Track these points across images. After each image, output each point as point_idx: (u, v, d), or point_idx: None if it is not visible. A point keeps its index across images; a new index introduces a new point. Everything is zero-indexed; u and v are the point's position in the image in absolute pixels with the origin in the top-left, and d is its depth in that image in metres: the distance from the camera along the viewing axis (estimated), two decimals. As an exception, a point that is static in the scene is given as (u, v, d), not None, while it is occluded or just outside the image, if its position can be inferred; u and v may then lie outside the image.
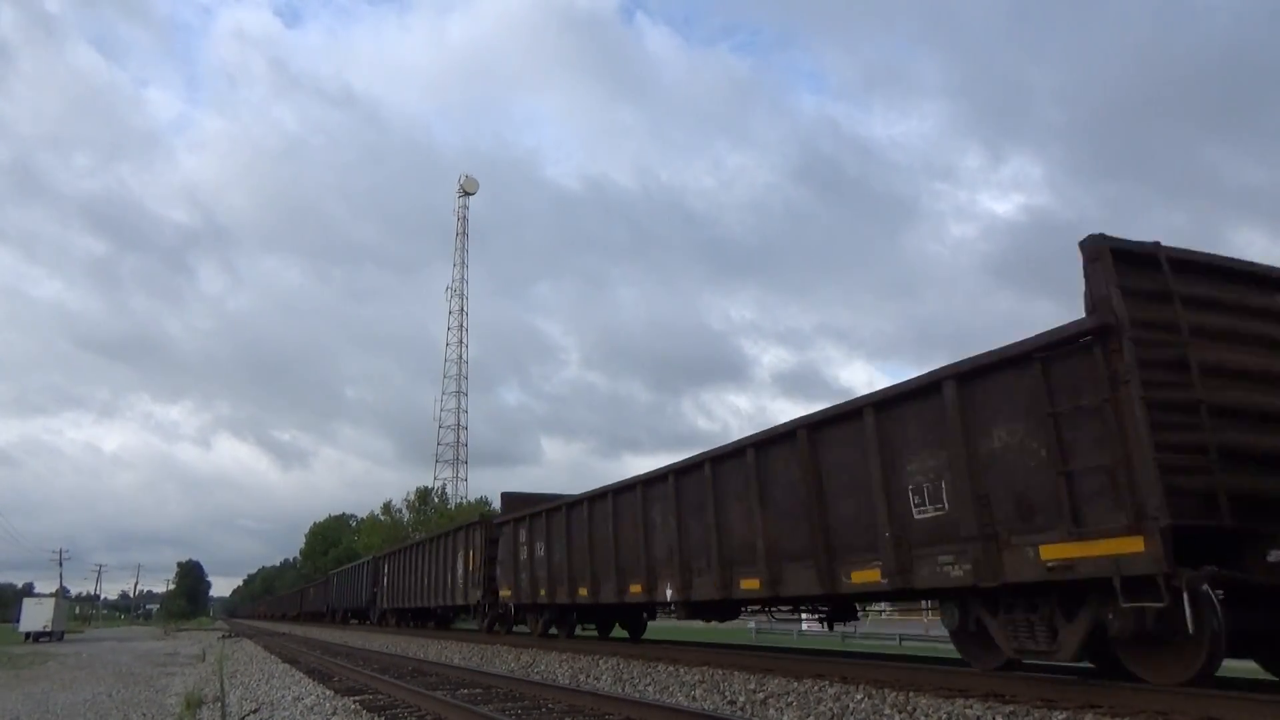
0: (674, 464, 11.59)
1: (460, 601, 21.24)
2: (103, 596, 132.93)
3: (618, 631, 17.68)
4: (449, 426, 76.74)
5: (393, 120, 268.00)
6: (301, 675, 13.49)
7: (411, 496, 69.87)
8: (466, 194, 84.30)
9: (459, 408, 77.12)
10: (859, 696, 7.58)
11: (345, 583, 41.06)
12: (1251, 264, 7.01)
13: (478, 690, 10.21)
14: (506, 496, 19.14)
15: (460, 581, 20.91)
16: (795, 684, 8.53)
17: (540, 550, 15.77)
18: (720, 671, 10.11)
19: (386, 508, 70.54)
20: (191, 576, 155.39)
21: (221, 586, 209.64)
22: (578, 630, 17.16)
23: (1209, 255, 6.79)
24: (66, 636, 44.13)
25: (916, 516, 7.38)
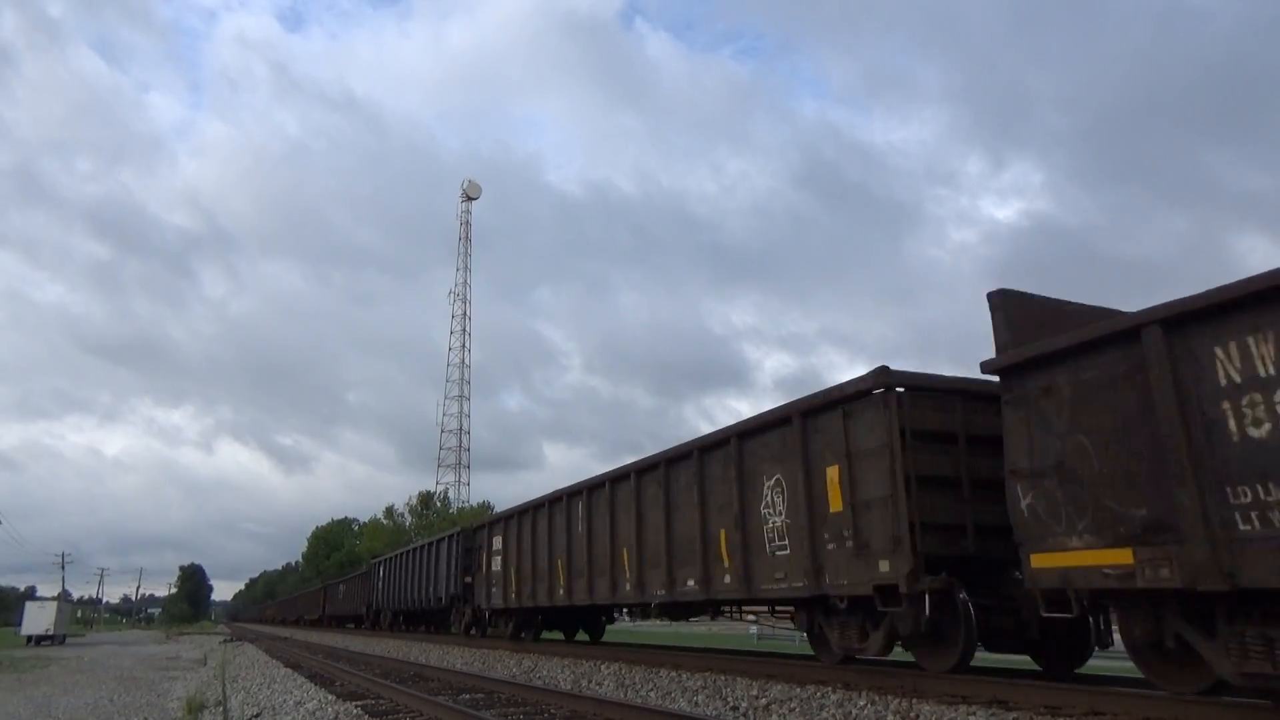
0: None
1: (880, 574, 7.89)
2: (104, 600, 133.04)
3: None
4: (451, 431, 76.90)
5: (394, 125, 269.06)
6: (303, 680, 13.46)
7: (414, 501, 69.97)
8: (470, 198, 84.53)
9: (461, 412, 77.27)
10: (862, 703, 7.55)
11: (411, 569, 27.07)
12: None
13: (480, 695, 10.19)
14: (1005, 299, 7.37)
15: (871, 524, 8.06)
16: (798, 690, 8.50)
17: None
18: (723, 677, 10.09)
19: (389, 512, 70.68)
20: (193, 580, 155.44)
21: (223, 590, 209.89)
22: None
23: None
24: (68, 640, 44.20)
25: None
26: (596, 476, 14.05)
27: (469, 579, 21.04)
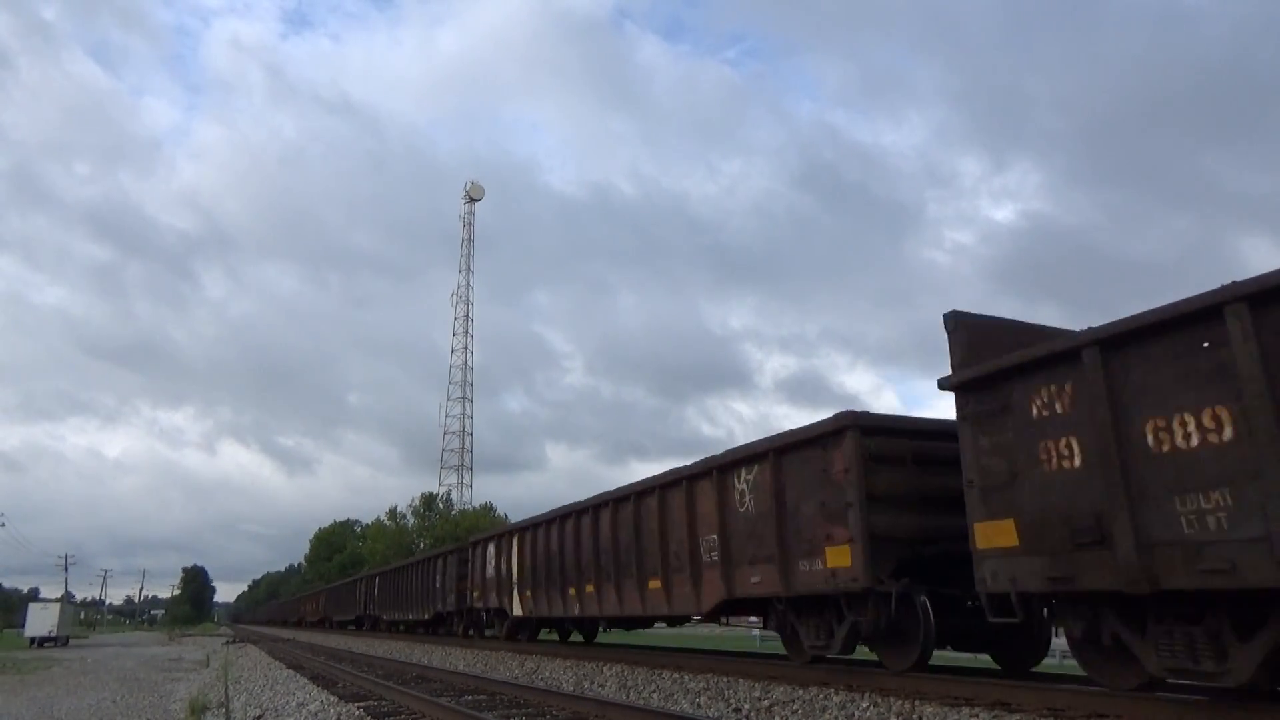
0: None
1: None
2: (107, 602, 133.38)
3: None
4: (454, 432, 76.91)
5: (390, 128, 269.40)
6: (305, 681, 13.48)
7: (416, 502, 69.95)
8: (472, 200, 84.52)
9: (464, 413, 77.27)
10: (864, 704, 7.55)
11: (410, 581, 28.51)
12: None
13: (482, 696, 10.19)
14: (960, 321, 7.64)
15: None
16: (800, 691, 8.50)
17: None
18: (725, 679, 10.08)
19: (392, 513, 70.62)
20: (196, 582, 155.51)
21: (226, 592, 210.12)
22: None
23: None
24: (71, 642, 44.23)
25: None
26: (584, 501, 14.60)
27: (466, 589, 21.62)
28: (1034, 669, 9.02)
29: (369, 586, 36.37)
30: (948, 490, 7.72)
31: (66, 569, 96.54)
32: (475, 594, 20.81)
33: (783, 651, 10.99)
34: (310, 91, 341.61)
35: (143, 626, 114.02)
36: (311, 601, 57.00)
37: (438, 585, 24.69)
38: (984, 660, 9.76)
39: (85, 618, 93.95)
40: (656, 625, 15.78)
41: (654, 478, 12.01)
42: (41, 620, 41.91)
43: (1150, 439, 5.70)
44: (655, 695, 9.73)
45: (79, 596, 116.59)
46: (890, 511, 8.16)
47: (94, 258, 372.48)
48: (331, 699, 10.59)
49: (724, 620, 12.59)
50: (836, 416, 8.52)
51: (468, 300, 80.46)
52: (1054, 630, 8.43)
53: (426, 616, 25.66)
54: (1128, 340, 5.90)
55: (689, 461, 11.69)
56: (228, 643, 36.08)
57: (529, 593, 16.66)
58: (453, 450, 76.44)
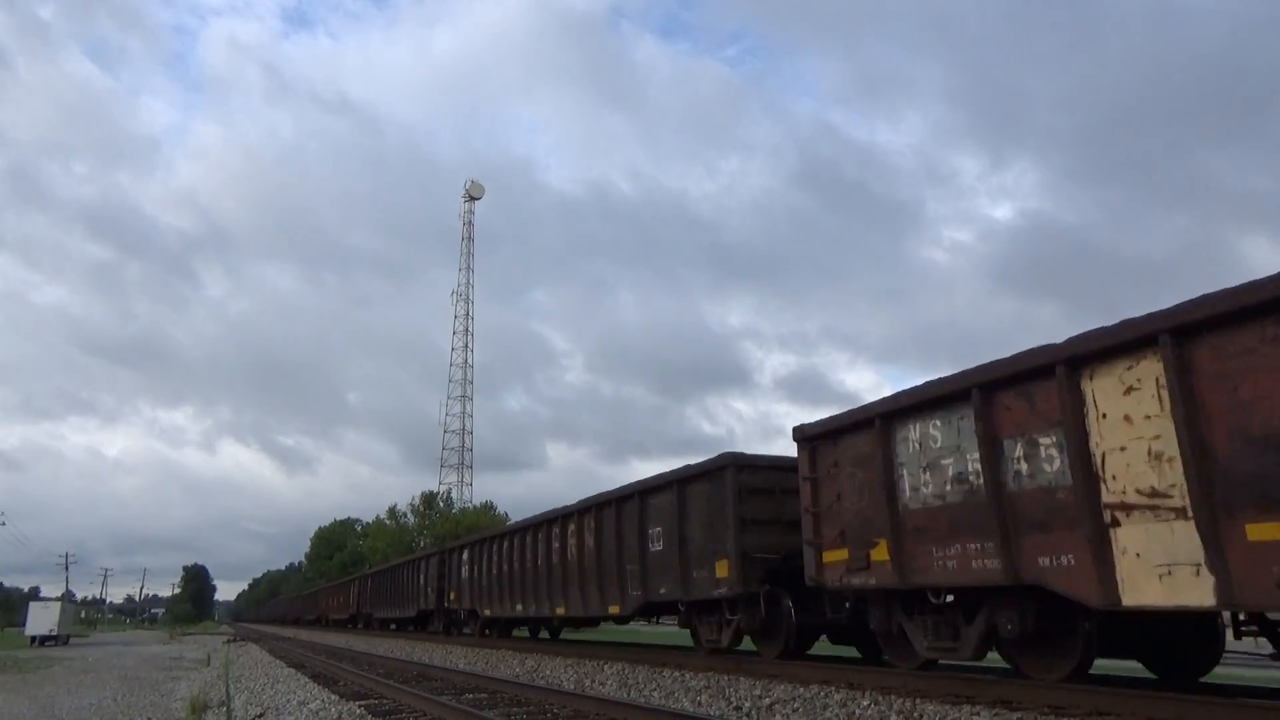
0: None
1: None
2: (108, 600, 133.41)
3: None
4: (454, 431, 76.81)
5: (388, 127, 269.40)
6: (307, 680, 13.48)
7: (416, 501, 69.90)
8: (472, 199, 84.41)
9: (464, 412, 77.22)
10: (865, 703, 7.55)
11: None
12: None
13: (483, 695, 10.19)
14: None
15: None
16: (801, 689, 8.50)
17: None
18: (726, 677, 10.08)
19: (392, 512, 70.54)
20: (197, 580, 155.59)
21: (226, 590, 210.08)
22: None
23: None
24: (72, 640, 44.22)
25: None
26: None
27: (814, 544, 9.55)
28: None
29: (450, 566, 23.14)
30: None
31: (67, 568, 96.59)
32: (840, 561, 9.00)
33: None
34: (308, 90, 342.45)
35: (143, 625, 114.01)
36: (338, 595, 45.71)
37: (658, 545, 12.09)
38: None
39: (86, 616, 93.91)
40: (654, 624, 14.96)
41: None
42: (42, 619, 41.88)
43: None
44: (656, 693, 9.73)
45: (80, 595, 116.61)
46: None
47: (93, 257, 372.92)
48: (332, 697, 10.60)
49: None
50: None
51: (468, 299, 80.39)
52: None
53: (614, 610, 13.62)
54: None
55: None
56: (228, 641, 36.08)
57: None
58: (453, 449, 76.40)
